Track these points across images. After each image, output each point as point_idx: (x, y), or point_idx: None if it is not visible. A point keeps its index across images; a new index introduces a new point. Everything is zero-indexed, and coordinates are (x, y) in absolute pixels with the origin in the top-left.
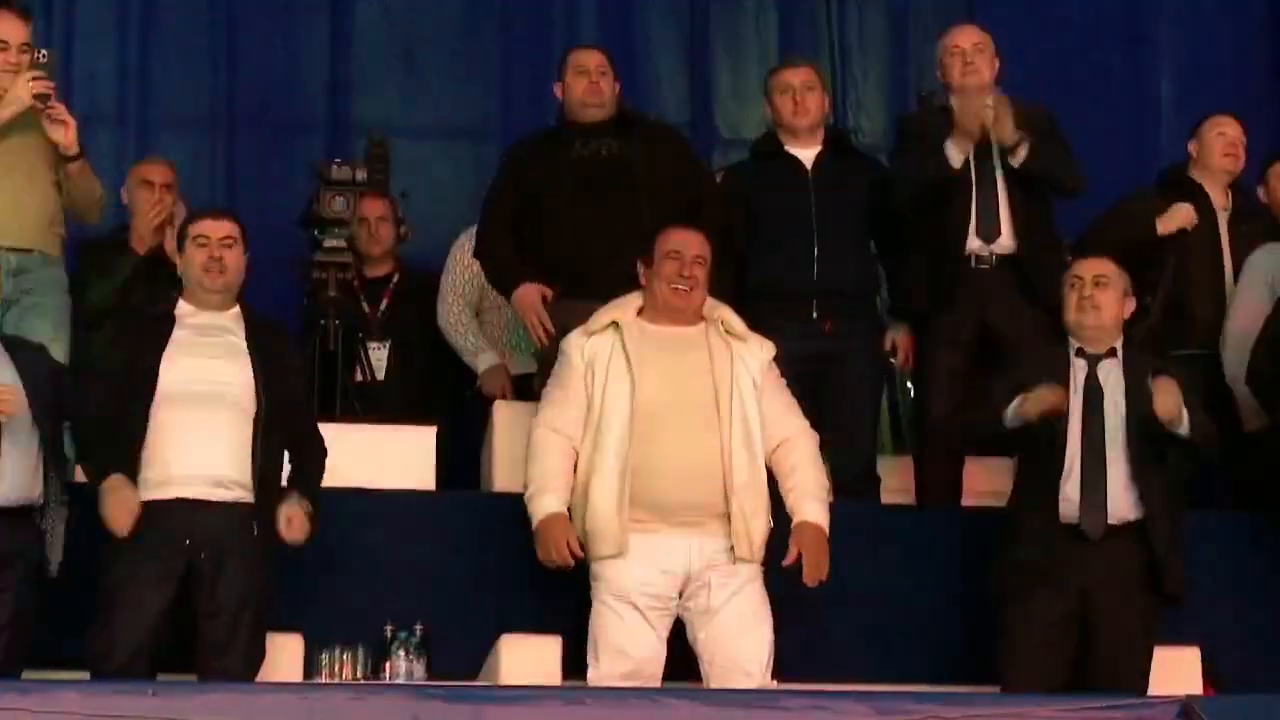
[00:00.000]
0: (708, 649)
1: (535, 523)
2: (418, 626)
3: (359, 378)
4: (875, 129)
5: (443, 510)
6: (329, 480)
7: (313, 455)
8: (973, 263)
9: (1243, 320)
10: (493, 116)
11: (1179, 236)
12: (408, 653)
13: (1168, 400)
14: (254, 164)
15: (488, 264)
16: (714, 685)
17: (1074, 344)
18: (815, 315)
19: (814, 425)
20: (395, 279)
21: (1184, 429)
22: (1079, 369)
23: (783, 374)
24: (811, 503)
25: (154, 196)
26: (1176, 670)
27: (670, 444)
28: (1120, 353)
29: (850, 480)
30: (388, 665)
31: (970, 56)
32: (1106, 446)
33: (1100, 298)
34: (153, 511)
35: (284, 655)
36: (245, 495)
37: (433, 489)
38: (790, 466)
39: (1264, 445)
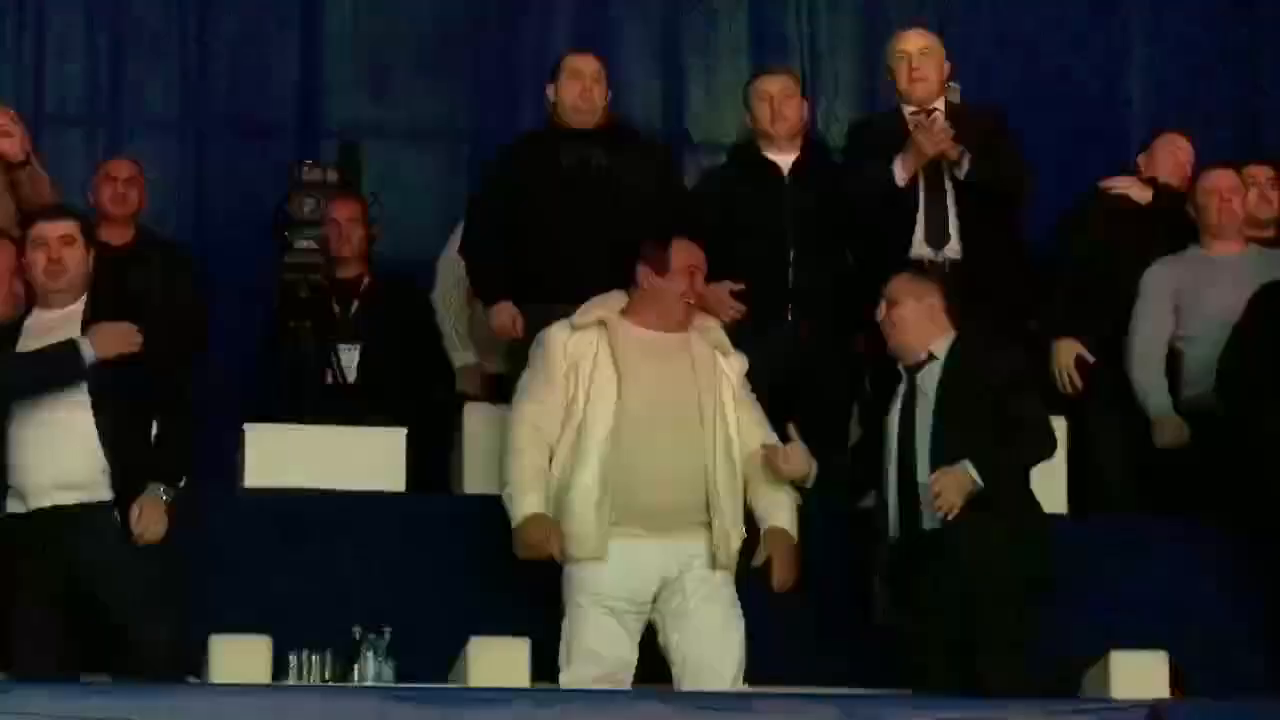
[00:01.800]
0: (680, 651)
1: (516, 521)
2: (386, 629)
3: (329, 380)
4: (844, 135)
5: (412, 512)
6: (299, 482)
7: (167, 439)
8: (924, 267)
9: (1148, 339)
10: (464, 118)
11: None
12: (376, 655)
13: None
14: (224, 166)
15: (472, 265)
16: (685, 687)
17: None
18: (790, 319)
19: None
20: (366, 281)
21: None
22: (904, 382)
23: (757, 379)
24: (782, 511)
25: (116, 190)
26: (1143, 674)
27: (654, 450)
28: (942, 355)
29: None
30: (356, 668)
31: (917, 62)
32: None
33: (895, 315)
34: (16, 527)
35: (252, 658)
36: (102, 491)
37: (402, 491)
38: (761, 476)
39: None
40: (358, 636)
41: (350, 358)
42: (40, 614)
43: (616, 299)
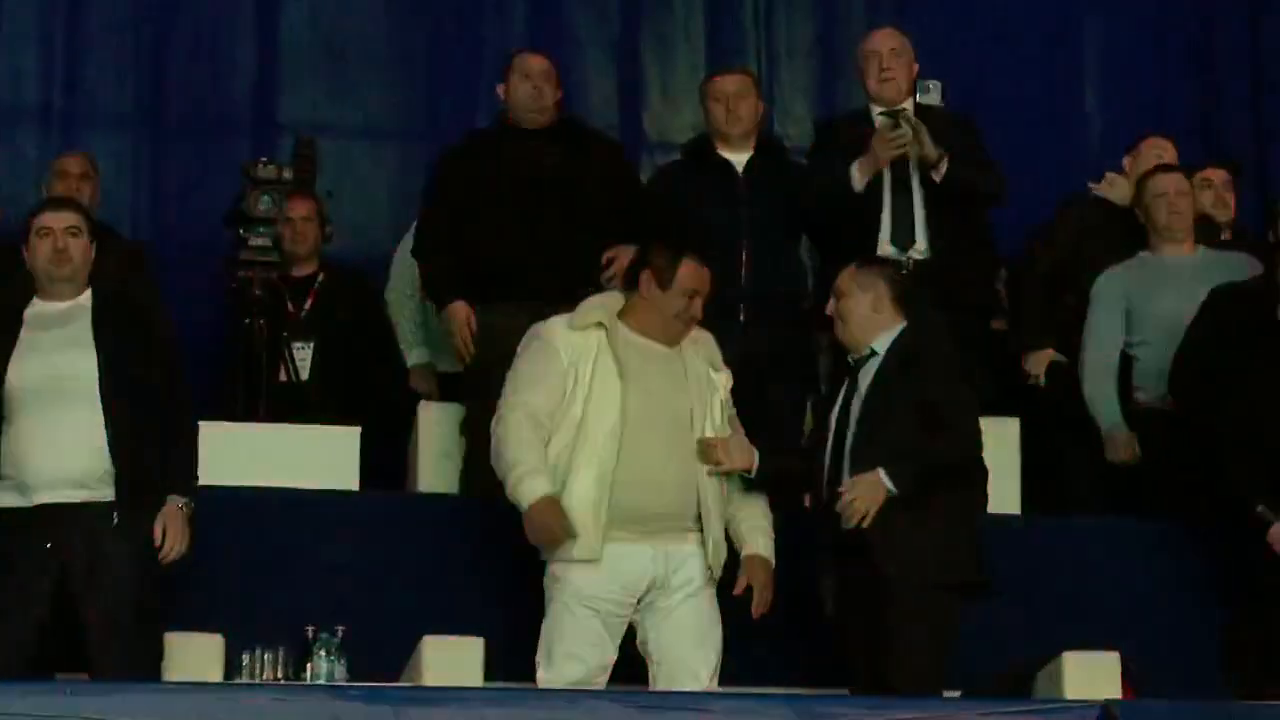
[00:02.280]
0: (658, 649)
1: (527, 503)
2: (339, 627)
3: (283, 377)
4: (802, 134)
5: (366, 511)
6: (253, 480)
7: (179, 444)
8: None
9: (1099, 350)
10: (420, 116)
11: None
12: (329, 654)
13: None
14: (180, 163)
15: (425, 268)
16: (660, 687)
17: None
18: (743, 319)
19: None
20: (320, 278)
21: None
22: (848, 377)
23: None
24: (760, 536)
25: (69, 186)
26: (1095, 674)
27: (652, 455)
28: (882, 350)
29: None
30: (309, 666)
31: (887, 62)
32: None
33: (841, 308)
34: (15, 522)
35: (204, 656)
36: (104, 492)
37: (356, 489)
38: (740, 500)
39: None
40: (310, 635)
41: (304, 355)
42: (21, 612)
43: (613, 301)
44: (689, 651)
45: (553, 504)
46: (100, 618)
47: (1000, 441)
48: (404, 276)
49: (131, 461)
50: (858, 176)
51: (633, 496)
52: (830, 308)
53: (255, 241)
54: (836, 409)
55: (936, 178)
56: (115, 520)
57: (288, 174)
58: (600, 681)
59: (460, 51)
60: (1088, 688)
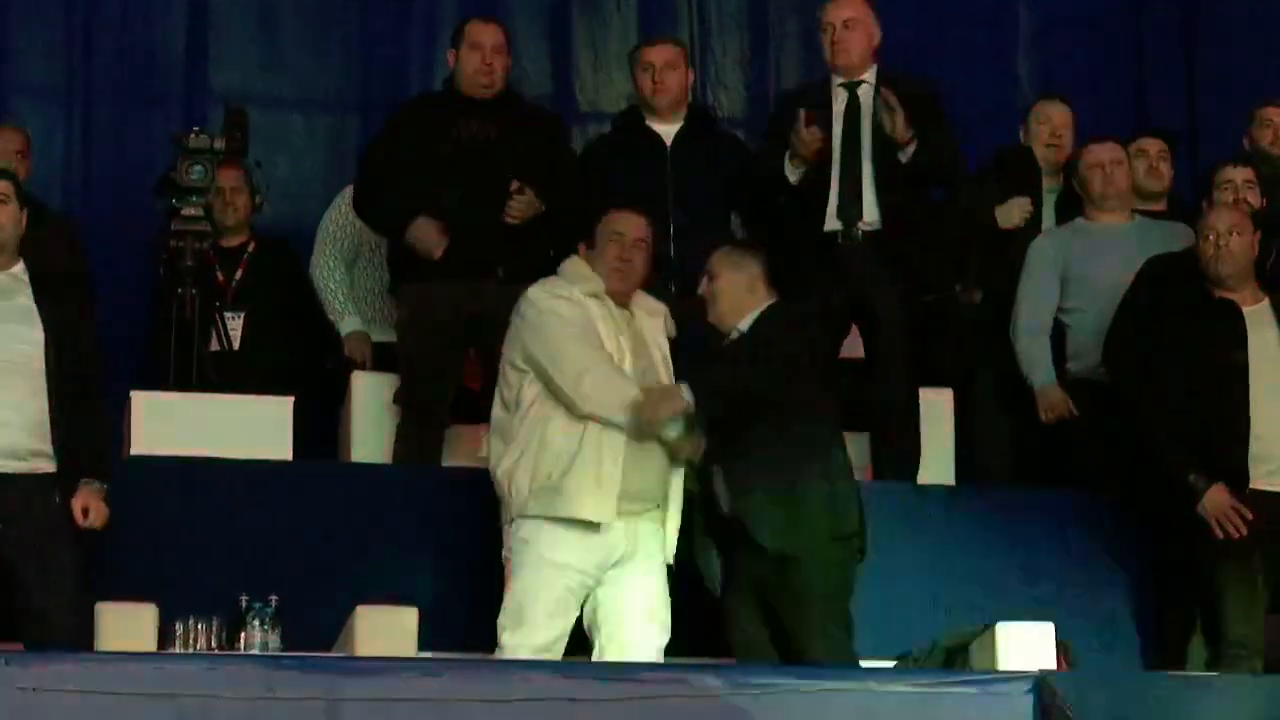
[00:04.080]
0: (608, 623)
1: (632, 397)
2: (273, 597)
3: (215, 347)
4: (734, 105)
5: (299, 480)
6: (186, 449)
7: (95, 423)
8: (839, 239)
9: (1033, 311)
10: (352, 87)
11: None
12: (262, 623)
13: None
14: (111, 133)
15: (373, 208)
16: (606, 658)
17: None
18: (672, 292)
19: None
20: (250, 248)
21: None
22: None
23: None
24: None
25: (6, 156)
26: (1030, 646)
27: None
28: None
29: None
30: (242, 636)
31: (839, 34)
32: None
33: (713, 288)
34: None
35: (137, 625)
36: (45, 465)
37: (289, 459)
38: None
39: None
40: (244, 605)
41: (235, 325)
42: None
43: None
44: (640, 626)
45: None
46: (40, 589)
47: (934, 412)
48: (329, 247)
49: (69, 437)
50: (791, 173)
51: (632, 470)
52: (703, 288)
53: (187, 211)
54: None
55: (903, 158)
56: (59, 497)
57: (219, 144)
58: (558, 651)
59: (392, 22)
60: (1022, 659)
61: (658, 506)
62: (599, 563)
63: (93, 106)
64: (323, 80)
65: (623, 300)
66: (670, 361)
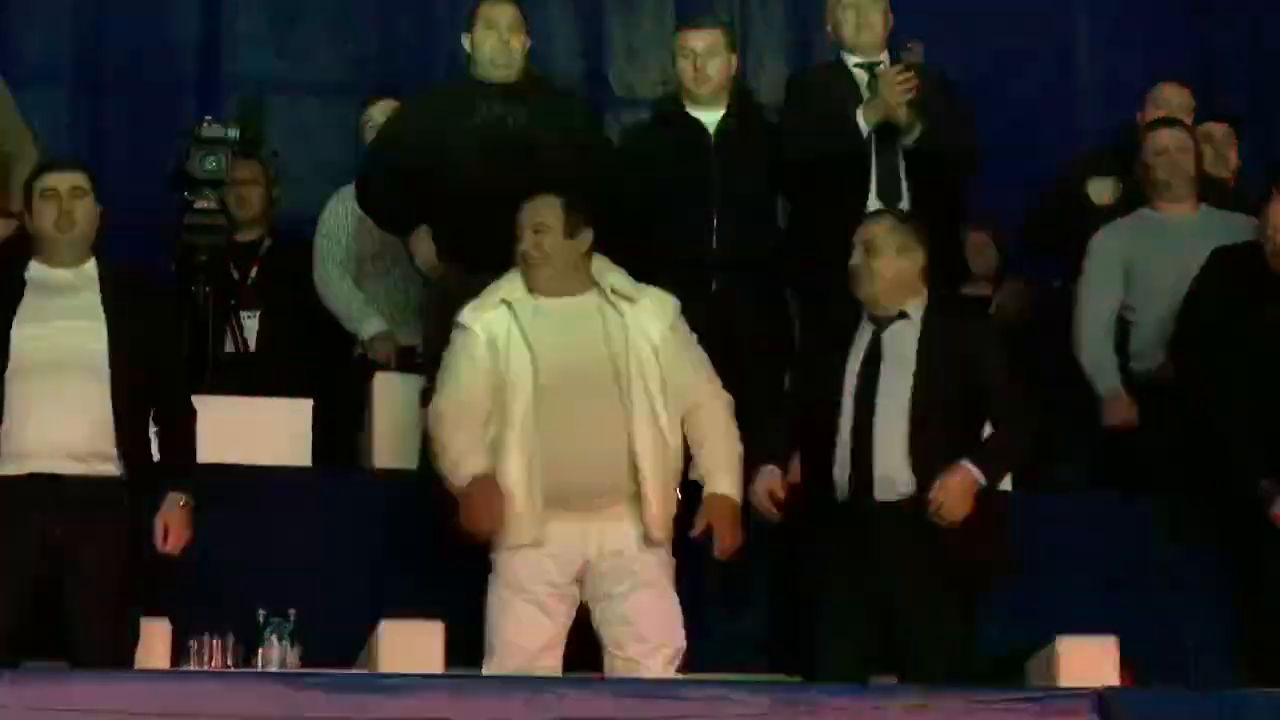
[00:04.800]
0: (610, 639)
1: (464, 485)
2: (291, 611)
3: (230, 348)
4: (775, 88)
5: (319, 488)
6: (200, 455)
7: (182, 432)
8: None
9: (1096, 312)
10: (372, 72)
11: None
12: (281, 639)
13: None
14: (123, 124)
15: (377, 205)
16: (617, 674)
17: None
18: (715, 288)
19: None
20: (266, 244)
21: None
22: (864, 333)
23: None
24: (722, 474)
25: None
26: (1091, 661)
27: (572, 426)
28: (918, 314)
29: None
30: (260, 652)
31: (865, 11)
32: (877, 415)
33: (873, 264)
34: (6, 488)
35: (151, 642)
36: (108, 468)
37: (308, 465)
38: (701, 435)
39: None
40: (262, 619)
41: (251, 325)
42: (9, 579)
43: (519, 277)
44: (632, 647)
45: (489, 482)
46: (84, 599)
47: None
48: (328, 259)
49: (133, 441)
50: (866, 120)
51: (556, 475)
52: (857, 259)
53: (201, 204)
54: (857, 369)
55: (908, 142)
56: (125, 501)
57: (234, 133)
58: (549, 665)
59: (413, 4)
60: (1082, 675)
61: (631, 497)
62: (560, 574)
63: (103, 95)
64: (342, 65)
65: (569, 289)
66: (673, 356)
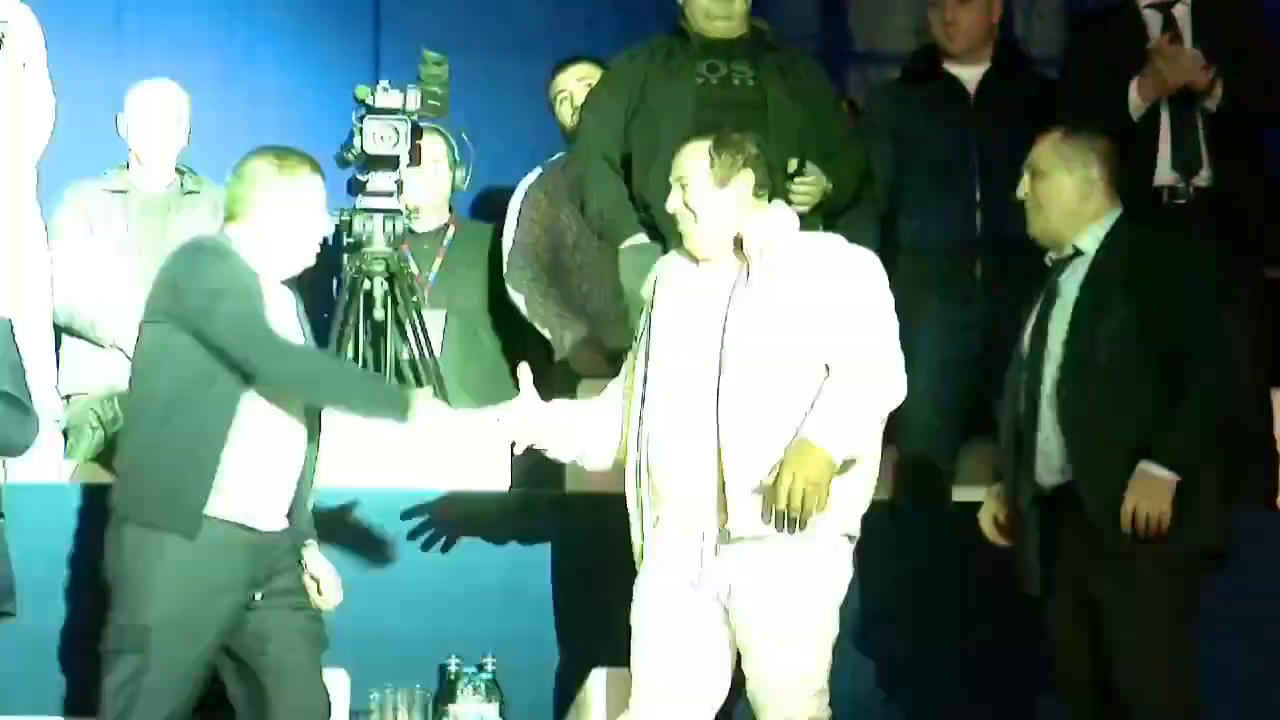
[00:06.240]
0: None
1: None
2: (488, 659)
3: (406, 355)
4: (1050, 36)
5: (519, 516)
6: (376, 479)
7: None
8: (1165, 197)
9: None
10: (576, 26)
11: None
12: (476, 691)
13: None
14: (282, 90)
15: (592, 205)
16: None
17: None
18: (980, 275)
19: (979, 409)
20: (450, 233)
21: None
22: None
23: (940, 346)
24: (815, 416)
25: None
26: None
27: (671, 426)
28: (1091, 249)
29: None
30: (451, 709)
31: None
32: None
33: (1040, 191)
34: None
35: None
36: (283, 523)
37: (506, 489)
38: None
39: None
40: (454, 670)
41: (435, 325)
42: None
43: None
44: (762, 697)
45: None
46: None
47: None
48: (516, 259)
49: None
50: (1137, 101)
51: (656, 476)
52: (1023, 188)
53: (376, 185)
54: (1029, 330)
55: (1210, 108)
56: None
57: (414, 101)
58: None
59: None
60: None
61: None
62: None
63: (259, 60)
64: (542, 19)
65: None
66: (809, 297)
